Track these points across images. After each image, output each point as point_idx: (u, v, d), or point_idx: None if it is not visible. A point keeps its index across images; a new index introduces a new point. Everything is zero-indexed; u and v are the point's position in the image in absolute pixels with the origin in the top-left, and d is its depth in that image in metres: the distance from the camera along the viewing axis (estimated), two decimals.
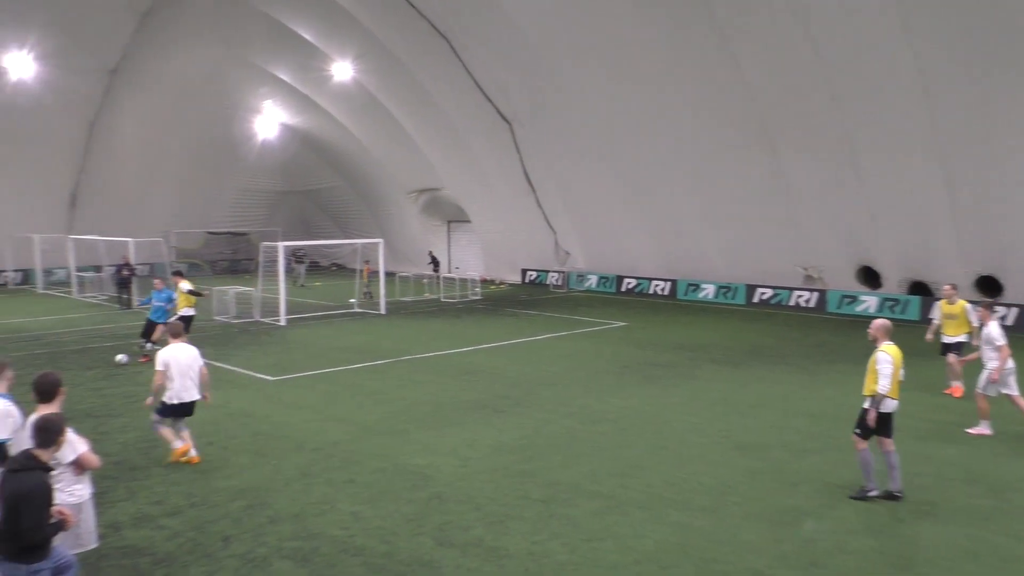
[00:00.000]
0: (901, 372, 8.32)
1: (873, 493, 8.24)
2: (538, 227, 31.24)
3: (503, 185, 30.85)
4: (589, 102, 25.28)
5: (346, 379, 14.46)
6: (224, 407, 12.20)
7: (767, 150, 22.37)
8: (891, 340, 8.37)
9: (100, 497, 7.75)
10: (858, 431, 8.26)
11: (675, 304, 26.63)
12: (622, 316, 23.33)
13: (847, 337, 19.19)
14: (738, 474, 9.11)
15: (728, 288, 26.54)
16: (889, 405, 8.20)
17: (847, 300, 23.85)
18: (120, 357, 15.81)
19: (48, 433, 5.19)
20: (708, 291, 27.05)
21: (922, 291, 22.35)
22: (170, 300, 16.49)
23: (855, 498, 8.22)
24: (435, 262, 34.60)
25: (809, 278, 24.76)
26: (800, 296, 24.89)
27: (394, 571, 6.76)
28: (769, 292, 25.61)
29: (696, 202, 25.36)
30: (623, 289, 29.62)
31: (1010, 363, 10.65)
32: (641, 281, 29.13)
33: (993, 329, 10.80)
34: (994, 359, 10.60)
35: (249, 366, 15.59)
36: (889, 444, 8.30)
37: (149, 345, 16.33)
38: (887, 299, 22.81)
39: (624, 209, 27.68)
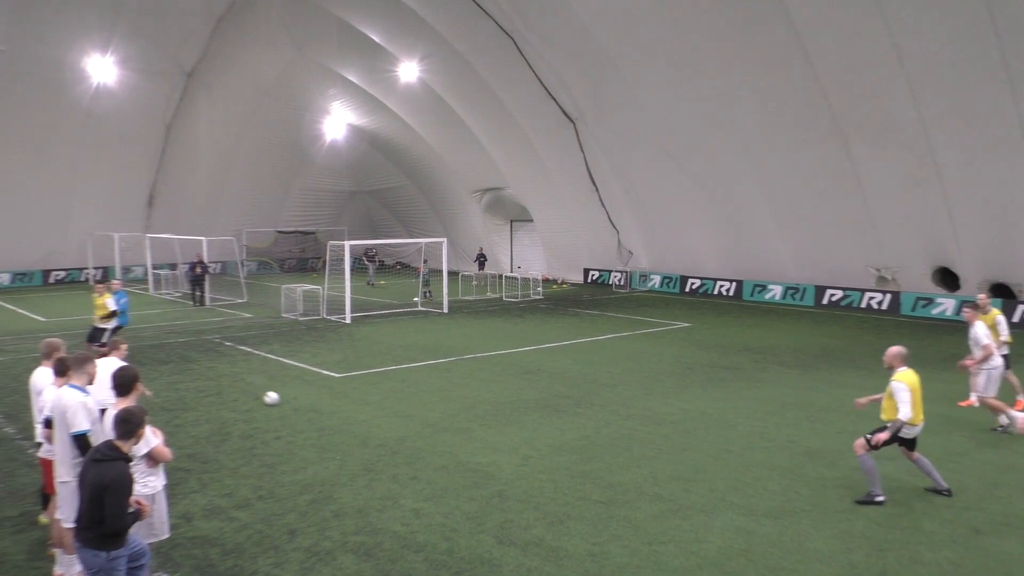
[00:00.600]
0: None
1: (879, 499, 8.10)
2: (601, 226, 31.08)
3: (566, 184, 30.78)
4: (654, 99, 24.99)
5: (410, 376, 14.62)
6: (291, 403, 12.48)
7: (839, 147, 21.75)
8: (907, 366, 8.36)
9: (172, 489, 8.02)
10: (868, 437, 8.23)
11: (740, 305, 26.14)
12: (686, 317, 23.03)
13: (922, 341, 18.55)
14: (806, 480, 8.89)
15: (796, 289, 25.92)
16: (911, 431, 8.24)
17: (922, 303, 23.06)
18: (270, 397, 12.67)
19: (129, 424, 5.38)
20: (775, 292, 26.49)
21: (1004, 293, 21.42)
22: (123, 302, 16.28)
23: (861, 502, 8.15)
24: (482, 259, 34.75)
25: (882, 279, 24.03)
26: (872, 298, 24.15)
27: (455, 568, 6.80)
28: (839, 293, 24.92)
29: (764, 200, 24.83)
30: (687, 289, 29.24)
31: (994, 361, 11.02)
32: (705, 281, 28.71)
33: (979, 329, 11.22)
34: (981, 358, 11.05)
35: (316, 363, 15.91)
36: (914, 455, 8.40)
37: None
38: (965, 301, 21.86)
39: (689, 208, 27.32)
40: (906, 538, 7.34)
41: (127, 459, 5.32)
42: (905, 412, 8.08)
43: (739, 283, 27.66)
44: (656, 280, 30.42)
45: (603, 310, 24.58)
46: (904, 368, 8.35)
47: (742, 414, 11.77)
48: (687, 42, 22.49)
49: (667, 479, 8.92)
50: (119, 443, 5.33)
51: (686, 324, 21.56)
